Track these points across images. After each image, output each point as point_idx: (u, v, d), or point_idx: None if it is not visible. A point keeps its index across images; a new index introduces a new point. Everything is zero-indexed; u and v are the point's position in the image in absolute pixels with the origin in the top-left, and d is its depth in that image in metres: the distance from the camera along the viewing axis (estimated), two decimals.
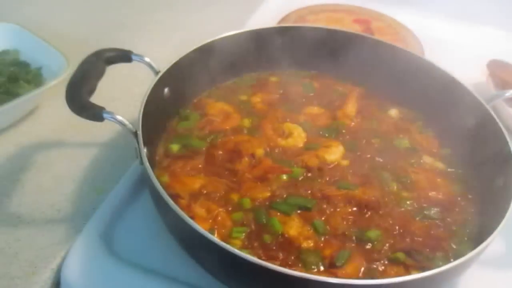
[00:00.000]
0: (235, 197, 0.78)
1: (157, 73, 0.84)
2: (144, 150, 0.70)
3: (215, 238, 0.61)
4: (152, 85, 0.81)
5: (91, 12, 1.41)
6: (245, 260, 0.59)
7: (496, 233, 0.64)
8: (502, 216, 0.67)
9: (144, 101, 0.77)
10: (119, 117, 0.71)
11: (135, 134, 0.72)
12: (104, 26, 1.33)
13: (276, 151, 0.87)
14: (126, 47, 0.86)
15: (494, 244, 0.66)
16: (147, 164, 0.68)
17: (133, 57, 0.84)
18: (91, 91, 0.74)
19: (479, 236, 0.76)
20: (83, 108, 0.71)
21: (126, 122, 0.72)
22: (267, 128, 0.91)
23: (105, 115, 0.70)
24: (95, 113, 0.70)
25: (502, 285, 0.79)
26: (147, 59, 0.85)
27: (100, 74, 0.78)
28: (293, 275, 0.58)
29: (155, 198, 0.72)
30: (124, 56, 0.83)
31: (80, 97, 0.71)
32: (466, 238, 0.76)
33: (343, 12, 1.41)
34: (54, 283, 0.73)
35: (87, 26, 1.32)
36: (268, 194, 0.78)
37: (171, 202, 0.63)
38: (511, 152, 0.77)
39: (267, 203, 0.77)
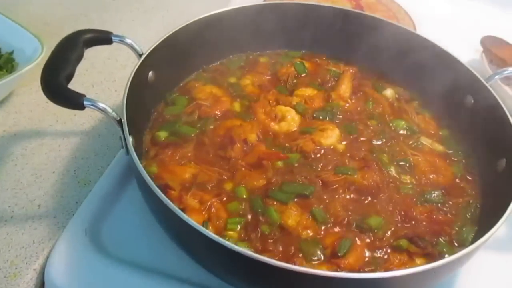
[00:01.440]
0: (228, 186, 0.74)
1: (140, 55, 0.79)
2: (130, 139, 0.65)
3: (208, 232, 0.57)
4: (135, 68, 0.75)
5: None
6: (241, 255, 0.56)
7: (503, 219, 0.61)
8: (508, 201, 0.64)
9: (128, 86, 0.71)
10: (101, 105, 0.66)
11: (120, 122, 0.67)
12: (82, 6, 1.25)
13: (269, 136, 0.83)
14: (106, 28, 0.79)
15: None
16: (134, 155, 0.63)
17: (114, 38, 0.78)
18: (69, 76, 0.68)
19: (481, 219, 0.74)
20: (61, 95, 0.65)
21: (109, 110, 0.66)
22: (259, 112, 0.86)
23: (86, 103, 0.65)
24: (74, 101, 0.64)
25: (505, 269, 0.77)
26: (128, 41, 0.79)
27: (79, 57, 0.72)
28: (290, 269, 0.55)
29: (143, 190, 0.67)
30: (104, 38, 0.77)
31: (57, 83, 0.65)
32: (468, 222, 0.74)
33: None
34: (37, 285, 0.69)
35: (63, 6, 1.24)
36: (264, 182, 0.74)
37: (161, 195, 0.59)
38: None
39: (262, 191, 0.73)
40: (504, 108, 0.78)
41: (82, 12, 1.23)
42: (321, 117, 0.87)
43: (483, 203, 0.76)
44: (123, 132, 0.66)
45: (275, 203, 0.71)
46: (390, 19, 1.15)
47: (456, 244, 0.70)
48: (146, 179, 0.60)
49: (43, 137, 0.88)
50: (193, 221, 0.57)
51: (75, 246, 0.70)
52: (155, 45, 0.80)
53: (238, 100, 0.89)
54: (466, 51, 1.11)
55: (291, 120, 0.86)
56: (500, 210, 0.63)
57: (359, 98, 0.93)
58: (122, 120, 0.66)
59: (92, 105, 0.65)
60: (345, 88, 0.93)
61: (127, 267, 0.69)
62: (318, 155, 0.80)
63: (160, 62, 0.82)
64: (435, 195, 0.76)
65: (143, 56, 0.78)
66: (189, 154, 0.78)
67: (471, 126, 0.85)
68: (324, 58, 1.02)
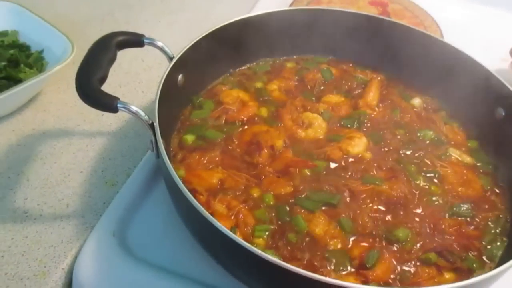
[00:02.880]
0: (256, 192, 0.73)
1: (171, 58, 0.79)
2: (162, 143, 0.65)
3: (239, 239, 0.57)
4: (166, 72, 0.75)
5: None
6: (269, 262, 0.56)
7: None
8: None
9: (160, 89, 0.72)
10: (134, 108, 0.66)
11: (152, 126, 0.67)
12: (107, 6, 1.26)
13: (296, 142, 0.82)
14: (131, 28, 0.80)
15: None
16: (166, 159, 0.63)
17: (145, 41, 0.78)
18: (103, 79, 0.69)
19: (511, 234, 0.73)
20: (95, 98, 0.65)
21: (142, 113, 0.67)
22: (286, 118, 0.86)
23: (119, 106, 0.65)
24: (109, 104, 0.65)
25: None
26: (159, 43, 0.79)
27: (111, 60, 0.72)
28: (318, 280, 0.54)
29: (174, 195, 0.68)
30: (136, 40, 0.77)
31: (91, 86, 0.66)
32: (498, 237, 0.73)
33: None
34: (65, 284, 0.70)
35: (89, 6, 1.25)
36: (291, 189, 0.74)
37: (194, 201, 0.59)
38: None
39: (290, 199, 0.73)
40: None
41: (108, 12, 1.24)
42: (348, 125, 0.87)
43: None
44: (154, 136, 0.67)
45: (302, 211, 0.71)
46: (417, 26, 1.14)
47: (486, 259, 0.69)
48: (179, 185, 0.60)
49: (71, 137, 0.88)
50: (226, 229, 0.57)
51: (103, 247, 0.71)
52: (185, 48, 0.80)
53: (264, 105, 0.89)
54: (493, 60, 1.09)
55: (318, 127, 0.85)
56: None
57: (386, 107, 0.92)
58: (155, 124, 0.67)
59: (125, 108, 0.66)
60: (373, 96, 0.93)
61: (153, 270, 0.69)
62: (345, 164, 0.79)
63: (190, 65, 0.82)
64: (464, 208, 0.75)
65: (174, 59, 0.78)
66: (217, 159, 0.78)
67: (501, 139, 0.84)
68: (350, 65, 1.01)
